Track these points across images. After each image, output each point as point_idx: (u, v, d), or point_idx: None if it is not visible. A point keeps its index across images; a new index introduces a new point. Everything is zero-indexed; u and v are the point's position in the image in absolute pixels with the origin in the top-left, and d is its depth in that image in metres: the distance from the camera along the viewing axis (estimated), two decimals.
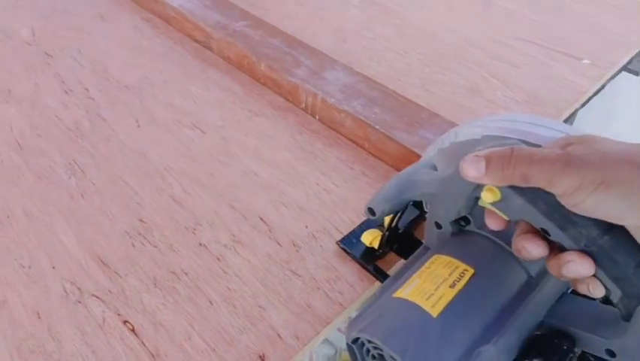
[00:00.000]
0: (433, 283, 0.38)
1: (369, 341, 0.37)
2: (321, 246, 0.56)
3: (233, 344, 0.48)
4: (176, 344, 0.49)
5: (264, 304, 0.51)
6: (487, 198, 0.35)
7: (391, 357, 0.36)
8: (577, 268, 0.31)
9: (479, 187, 0.36)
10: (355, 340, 0.39)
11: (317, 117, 0.73)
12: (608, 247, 0.31)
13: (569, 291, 0.42)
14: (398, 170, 0.63)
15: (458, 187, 0.38)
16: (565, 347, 0.37)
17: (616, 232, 0.31)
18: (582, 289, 0.33)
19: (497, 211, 0.36)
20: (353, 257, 0.55)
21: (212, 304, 0.52)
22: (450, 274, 0.39)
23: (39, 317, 0.52)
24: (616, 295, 0.32)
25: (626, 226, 0.30)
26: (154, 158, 0.68)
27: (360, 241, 0.55)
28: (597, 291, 0.32)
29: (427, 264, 0.41)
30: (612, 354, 0.35)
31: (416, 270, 0.41)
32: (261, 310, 0.51)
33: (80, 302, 0.52)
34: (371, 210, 0.46)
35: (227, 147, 0.70)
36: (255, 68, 0.79)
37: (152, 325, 0.50)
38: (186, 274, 0.55)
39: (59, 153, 0.69)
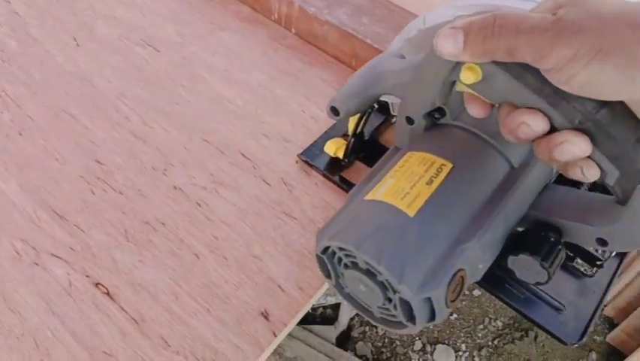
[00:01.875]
0: (407, 182, 0.35)
1: (341, 249, 0.34)
2: (316, 184, 0.50)
3: (229, 301, 0.43)
4: (162, 307, 0.42)
5: (259, 254, 0.45)
6: (466, 78, 0.30)
7: (366, 263, 0.32)
8: (571, 148, 0.28)
9: (456, 69, 0.31)
10: (325, 250, 0.35)
11: (293, 30, 0.63)
12: (606, 123, 0.27)
13: (552, 181, 0.39)
14: None
15: (432, 72, 0.33)
16: (552, 240, 0.34)
17: (613, 105, 0.27)
18: (574, 173, 0.29)
19: (477, 95, 0.31)
20: (317, 169, 0.50)
21: (198, 257, 0.45)
22: (426, 171, 0.35)
23: None
24: (613, 176, 0.29)
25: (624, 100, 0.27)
26: (101, 84, 0.57)
27: (323, 151, 0.50)
28: (591, 174, 0.29)
29: (400, 163, 0.37)
30: (603, 243, 0.33)
31: (388, 170, 0.37)
32: (257, 260, 0.45)
33: (37, 264, 0.44)
34: (334, 110, 0.41)
35: (189, 69, 0.59)
36: None
37: (130, 286, 0.43)
38: (163, 223, 0.47)
39: None
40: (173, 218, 0.47)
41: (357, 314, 1.34)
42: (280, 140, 0.53)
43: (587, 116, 0.27)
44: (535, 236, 0.35)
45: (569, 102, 0.27)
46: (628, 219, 0.31)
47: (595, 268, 0.42)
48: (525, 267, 0.35)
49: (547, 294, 0.41)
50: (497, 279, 0.41)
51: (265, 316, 0.42)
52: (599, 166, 0.29)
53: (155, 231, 0.46)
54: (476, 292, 1.40)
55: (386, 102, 0.51)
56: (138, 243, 0.45)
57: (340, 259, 0.34)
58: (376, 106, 0.47)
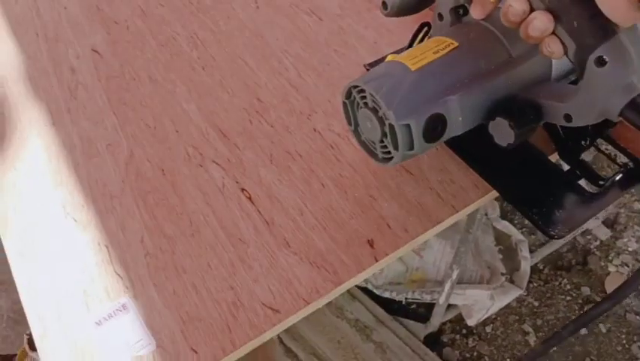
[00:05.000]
0: (420, 51, 0.43)
1: (359, 91, 0.43)
2: (436, 148, 0.55)
3: (343, 226, 0.50)
4: (289, 217, 0.51)
5: (376, 195, 0.52)
6: None
7: (372, 99, 0.42)
8: (538, 24, 0.35)
9: None
10: (348, 95, 0.45)
11: None
12: (567, 3, 0.35)
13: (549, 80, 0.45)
14: None
15: None
16: (531, 116, 0.41)
17: None
18: (544, 49, 0.37)
19: None
20: None
21: (324, 186, 0.53)
22: (436, 46, 0.43)
23: (164, 174, 0.55)
24: (571, 49, 0.36)
25: None
26: (271, 40, 0.68)
27: None
28: (556, 48, 0.36)
29: (424, 42, 0.46)
30: (569, 118, 0.40)
31: None
32: (372, 200, 0.52)
33: (201, 166, 0.55)
34: (384, 4, 0.48)
35: (344, 37, 0.68)
36: None
37: (268, 197, 0.52)
38: (300, 155, 0.56)
39: (181, 26, 0.70)
40: (309, 153, 0.56)
41: (450, 320, 1.35)
42: None
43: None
44: (512, 107, 0.42)
45: None
46: (584, 90, 0.38)
47: (597, 188, 0.49)
48: (500, 130, 0.42)
49: (549, 196, 0.49)
50: (509, 182, 0.50)
51: (371, 244, 0.49)
52: (562, 42, 0.36)
53: (294, 160, 0.55)
54: (582, 331, 1.32)
55: None
56: (279, 166, 0.55)
57: (358, 104, 0.44)
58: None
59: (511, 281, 1.30)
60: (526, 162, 0.51)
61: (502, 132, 0.42)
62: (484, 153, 0.51)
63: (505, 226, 1.37)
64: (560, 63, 0.45)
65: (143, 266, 0.49)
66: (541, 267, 1.38)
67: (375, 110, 0.42)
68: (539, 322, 1.30)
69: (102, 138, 0.59)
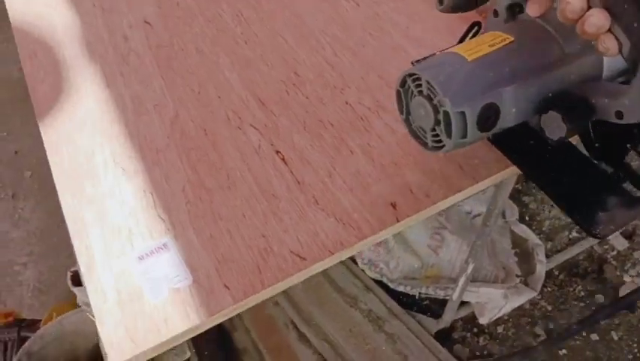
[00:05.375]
0: (475, 44, 0.45)
1: (414, 79, 0.44)
2: None
3: (368, 189, 0.54)
4: (319, 178, 0.55)
5: (400, 163, 0.56)
6: None
7: (428, 86, 0.43)
8: (595, 21, 0.37)
9: None
10: (403, 83, 0.46)
11: None
12: (625, 1, 0.36)
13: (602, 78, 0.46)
14: None
15: None
16: (583, 112, 0.43)
17: None
18: (600, 47, 0.38)
19: None
20: None
21: (352, 153, 0.57)
22: (492, 40, 0.45)
23: (205, 133, 0.60)
24: (626, 46, 0.37)
25: None
26: (310, 21, 0.72)
27: None
28: (611, 45, 0.38)
29: (479, 36, 0.48)
30: (620, 115, 0.41)
31: None
32: (397, 167, 0.55)
33: (240, 128, 0.60)
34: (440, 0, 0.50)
35: (379, 22, 0.72)
36: None
37: (300, 160, 0.56)
38: (332, 125, 0.60)
39: (227, 4, 0.75)
40: (340, 123, 0.60)
41: (462, 318, 1.36)
42: None
43: None
44: (564, 102, 0.43)
45: None
46: (637, 87, 0.39)
47: None
48: (552, 123, 0.43)
49: (592, 197, 0.50)
50: (555, 180, 0.51)
51: (393, 206, 0.52)
52: (617, 39, 0.37)
53: (325, 128, 0.59)
54: (593, 336, 1.33)
55: None
56: (312, 133, 0.59)
57: (412, 92, 0.45)
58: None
59: (526, 284, 1.32)
60: (570, 161, 0.52)
61: (554, 126, 0.43)
62: (529, 149, 0.52)
63: (522, 230, 1.39)
64: (612, 62, 0.45)
65: (184, 212, 0.53)
66: (556, 272, 1.39)
67: (429, 98, 0.43)
68: (551, 325, 1.31)
69: (151, 99, 0.64)
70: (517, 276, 1.30)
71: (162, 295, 0.48)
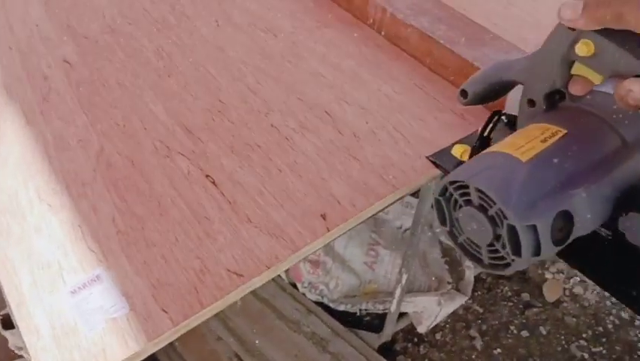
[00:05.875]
0: (524, 140, 0.38)
1: (456, 187, 0.38)
2: (379, 140, 0.63)
3: (298, 203, 0.56)
4: (250, 197, 0.57)
5: (326, 178, 0.59)
6: (581, 50, 0.36)
7: (479, 195, 0.36)
8: None
9: (573, 47, 0.36)
10: (443, 192, 0.39)
11: (382, 33, 0.78)
12: None
13: None
14: (457, 85, 0.69)
15: (552, 50, 0.38)
16: None
17: None
18: None
19: (590, 70, 0.37)
20: (444, 170, 0.57)
21: (280, 171, 0.60)
22: (542, 133, 0.39)
23: (133, 164, 0.60)
24: None
25: None
26: (231, 53, 0.76)
27: (450, 154, 0.55)
28: None
29: (519, 130, 0.42)
30: None
31: None
32: (324, 181, 0.59)
33: (168, 157, 0.61)
34: (463, 92, 0.47)
35: (296, 51, 0.76)
36: None
37: (230, 181, 0.58)
38: (259, 146, 0.62)
39: (148, 40, 0.77)
40: (267, 144, 0.63)
41: (402, 329, 1.41)
42: (357, 106, 0.68)
43: None
44: None
45: None
46: None
47: None
48: (633, 226, 0.37)
49: None
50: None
51: (323, 217, 0.55)
52: None
53: (253, 150, 0.62)
54: (524, 333, 1.41)
55: (514, 117, 0.49)
56: (240, 155, 0.61)
57: (456, 202, 0.38)
58: (505, 119, 0.52)
59: (457, 290, 1.39)
60: None
61: (636, 229, 0.37)
62: (604, 259, 0.44)
63: None
64: None
65: (115, 242, 0.53)
66: (484, 276, 1.48)
67: (484, 209, 0.36)
68: (484, 327, 1.39)
69: (74, 134, 0.64)
70: (449, 283, 1.37)
71: (98, 327, 0.47)
